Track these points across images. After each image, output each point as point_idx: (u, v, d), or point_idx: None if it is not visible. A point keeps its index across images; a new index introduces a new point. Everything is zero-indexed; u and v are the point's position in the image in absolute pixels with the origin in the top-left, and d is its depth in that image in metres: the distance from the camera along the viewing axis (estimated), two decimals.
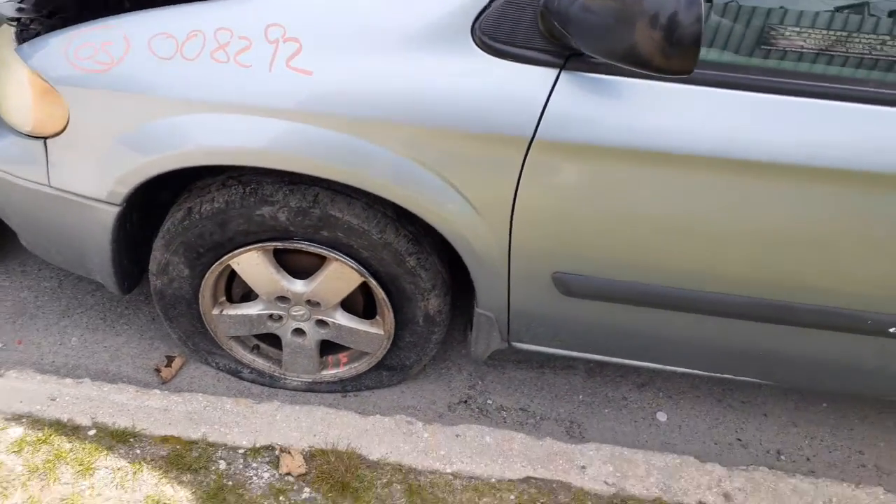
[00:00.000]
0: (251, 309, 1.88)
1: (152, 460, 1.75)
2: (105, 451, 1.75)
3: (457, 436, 1.93)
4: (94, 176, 1.61)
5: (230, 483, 1.74)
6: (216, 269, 1.76)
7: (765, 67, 1.40)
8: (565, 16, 1.27)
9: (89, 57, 1.50)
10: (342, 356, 2.02)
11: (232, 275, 1.87)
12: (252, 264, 1.75)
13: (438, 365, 2.17)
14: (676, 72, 1.17)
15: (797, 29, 1.39)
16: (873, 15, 1.40)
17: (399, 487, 1.78)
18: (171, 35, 1.47)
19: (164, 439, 1.82)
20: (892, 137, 1.37)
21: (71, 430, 1.80)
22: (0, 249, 2.31)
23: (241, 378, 2.05)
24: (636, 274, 1.57)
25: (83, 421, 1.82)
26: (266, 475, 1.77)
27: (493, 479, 1.83)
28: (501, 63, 1.39)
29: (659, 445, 2.03)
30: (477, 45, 1.39)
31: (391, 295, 1.78)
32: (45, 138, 1.62)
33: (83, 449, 1.75)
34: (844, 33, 1.38)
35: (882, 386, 1.79)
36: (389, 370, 2.01)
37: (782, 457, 2.05)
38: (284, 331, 1.92)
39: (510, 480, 1.83)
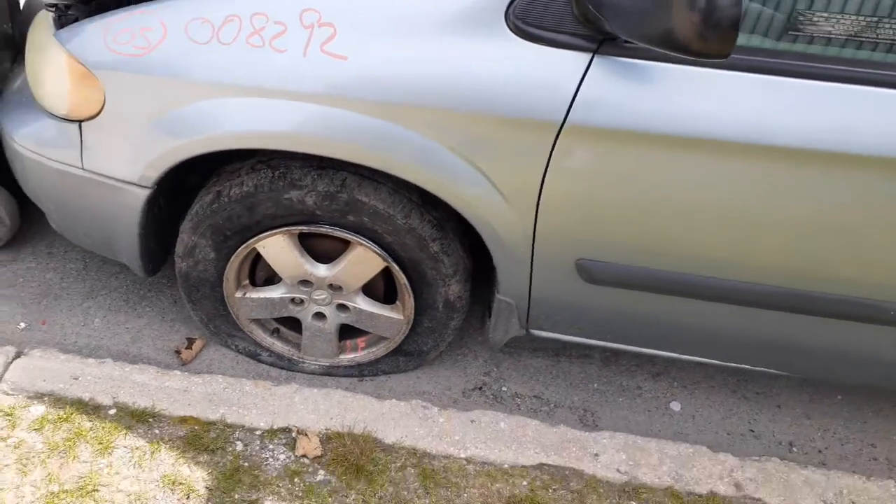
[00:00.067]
0: (274, 292, 1.91)
1: (170, 440, 1.78)
2: (124, 431, 1.78)
3: (472, 421, 1.95)
4: (127, 159, 1.64)
5: (246, 464, 1.77)
6: (242, 252, 1.79)
7: (798, 52, 1.40)
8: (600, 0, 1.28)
9: (127, 42, 1.53)
10: (360, 341, 2.05)
11: (256, 258, 1.90)
12: (278, 248, 1.77)
13: (454, 351, 2.19)
14: (714, 55, 1.19)
15: (829, 13, 1.39)
16: None
17: (413, 471, 1.81)
18: (207, 20, 1.49)
19: (183, 420, 1.84)
20: None
21: (92, 409, 1.82)
22: (27, 232, 2.34)
23: (260, 361, 2.08)
24: (661, 262, 1.59)
25: (104, 400, 1.85)
26: (282, 457, 1.80)
27: (507, 465, 1.85)
28: (534, 47, 1.41)
29: (672, 435, 2.05)
30: (511, 29, 1.41)
31: (412, 280, 1.80)
32: (80, 122, 1.65)
33: (103, 428, 1.78)
34: (875, 18, 1.38)
35: None
36: (406, 355, 2.04)
37: (794, 448, 2.07)
38: (305, 314, 1.95)
39: (523, 466, 1.85)
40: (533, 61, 1.41)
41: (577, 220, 1.55)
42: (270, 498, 1.70)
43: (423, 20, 1.43)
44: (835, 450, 2.07)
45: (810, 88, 1.39)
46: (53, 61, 1.63)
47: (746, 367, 1.87)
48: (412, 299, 1.85)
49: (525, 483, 1.81)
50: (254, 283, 1.95)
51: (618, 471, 1.86)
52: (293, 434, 1.85)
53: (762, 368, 1.87)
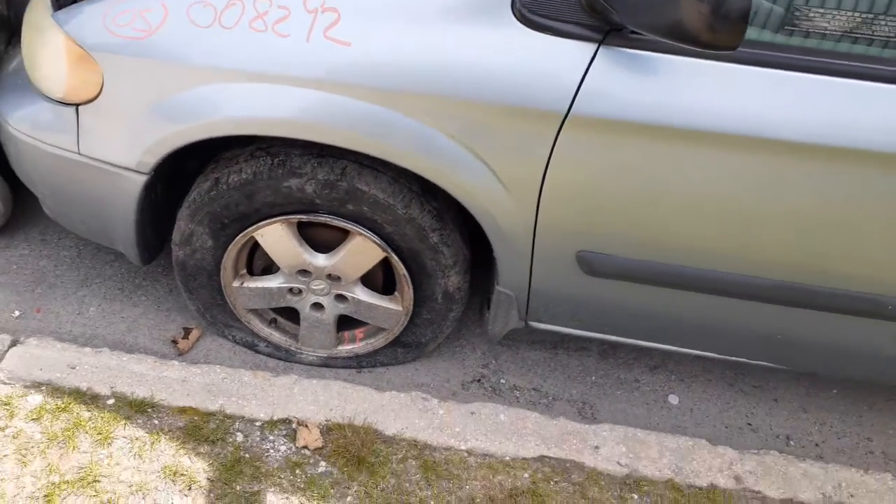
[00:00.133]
0: (272, 282, 1.89)
1: (170, 431, 1.77)
2: (123, 421, 1.77)
3: (471, 413, 1.94)
4: (125, 144, 1.62)
5: (247, 455, 1.75)
6: (240, 240, 1.77)
7: (803, 46, 1.40)
8: None
9: (127, 24, 1.50)
10: (358, 332, 2.03)
11: (254, 247, 1.88)
12: (276, 237, 1.76)
13: (452, 343, 2.18)
14: (722, 47, 1.18)
15: (834, 9, 1.38)
16: None
17: (414, 463, 1.80)
18: (209, 3, 1.47)
19: (182, 410, 1.83)
20: None
21: (90, 398, 1.81)
22: (20, 218, 2.31)
23: (258, 351, 2.07)
24: (662, 254, 1.58)
25: (102, 390, 1.83)
26: (283, 448, 1.79)
27: (508, 457, 1.85)
28: (540, 37, 1.39)
29: (670, 428, 2.05)
30: (517, 17, 1.40)
31: (412, 271, 1.79)
32: (77, 105, 1.63)
33: (102, 418, 1.76)
34: (879, 13, 1.38)
35: None
36: (405, 347, 2.03)
37: (792, 442, 2.07)
38: (303, 305, 1.93)
39: (524, 459, 1.85)
40: (538, 51, 1.40)
41: (578, 212, 1.55)
42: (272, 490, 1.69)
43: (428, 7, 1.42)
44: (832, 443, 2.08)
45: (814, 83, 1.39)
46: (51, 43, 1.60)
47: (744, 360, 1.87)
48: (411, 290, 1.83)
49: (527, 475, 1.81)
50: (251, 273, 1.93)
51: (618, 463, 1.86)
52: (293, 425, 1.83)
53: (760, 362, 1.87)
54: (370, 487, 1.73)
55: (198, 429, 1.78)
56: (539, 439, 1.89)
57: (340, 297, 1.90)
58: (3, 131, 1.81)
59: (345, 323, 1.99)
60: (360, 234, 1.72)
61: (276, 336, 2.03)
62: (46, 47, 1.62)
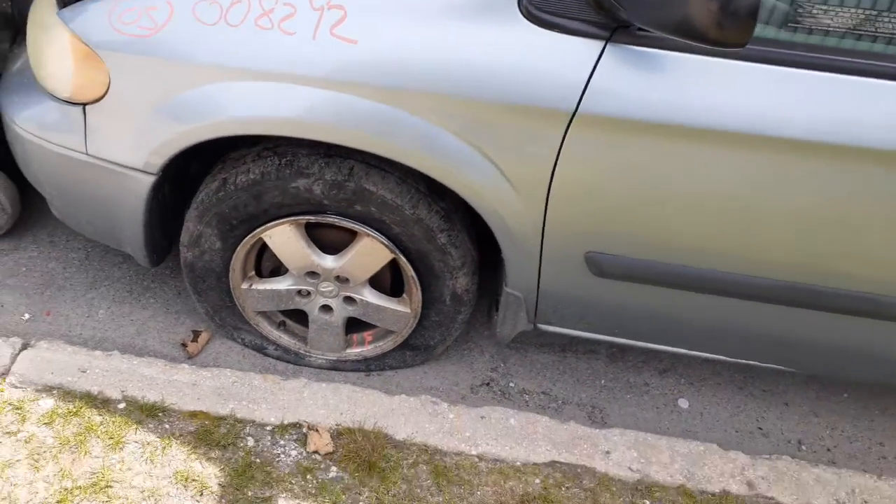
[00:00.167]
0: (280, 284, 1.88)
1: (181, 435, 1.76)
2: (135, 425, 1.76)
3: (482, 417, 1.93)
4: (132, 144, 1.61)
5: (258, 460, 1.74)
6: (248, 242, 1.77)
7: (811, 44, 1.38)
8: None
9: (133, 22, 1.50)
10: (367, 335, 2.02)
11: (262, 249, 1.87)
12: (284, 238, 1.75)
13: (461, 346, 2.17)
14: (731, 44, 1.17)
15: (843, 6, 1.37)
16: None
17: (425, 468, 1.78)
18: (215, 1, 1.47)
19: (193, 414, 1.82)
20: None
21: (101, 402, 1.80)
22: (28, 219, 2.31)
23: (267, 355, 2.06)
24: (670, 255, 1.57)
25: (113, 394, 1.83)
26: (294, 453, 1.78)
27: (519, 462, 1.83)
28: (547, 34, 1.39)
29: (681, 432, 2.03)
30: (524, 14, 1.39)
31: (420, 272, 1.78)
32: (83, 105, 1.62)
33: (113, 422, 1.76)
34: (888, 11, 1.37)
35: None
36: (413, 350, 2.02)
37: (803, 446, 2.05)
38: (312, 307, 1.92)
39: (535, 464, 1.83)
40: (545, 48, 1.39)
41: (587, 212, 1.53)
42: (284, 495, 1.68)
43: (436, 4, 1.41)
44: (844, 448, 2.06)
45: (822, 80, 1.38)
46: (56, 41, 1.59)
47: (755, 363, 1.85)
48: (419, 292, 1.82)
49: (538, 481, 1.79)
50: (260, 275, 1.93)
51: (630, 469, 1.84)
52: (304, 429, 1.82)
53: (771, 365, 1.85)
54: (381, 493, 1.72)
55: (209, 433, 1.78)
56: (550, 444, 1.88)
57: (349, 300, 1.89)
58: (9, 131, 1.81)
59: (353, 326, 1.98)
60: (368, 234, 1.71)
61: (284, 339, 2.03)
62: (52, 45, 1.61)
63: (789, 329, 1.69)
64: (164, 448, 1.72)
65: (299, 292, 1.90)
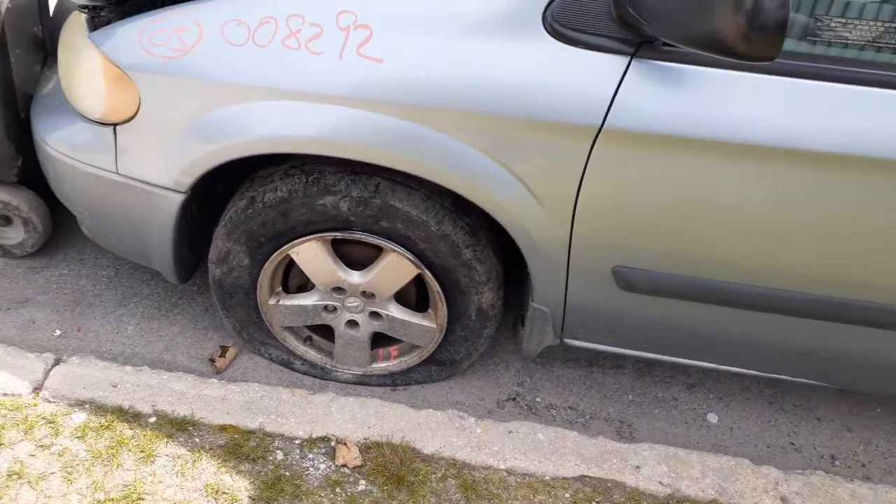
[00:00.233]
0: (307, 299, 1.90)
1: (211, 449, 1.77)
2: (165, 439, 1.77)
3: (509, 432, 1.92)
4: (163, 163, 1.64)
5: (287, 473, 1.75)
6: (275, 258, 1.78)
7: (839, 57, 1.38)
8: (641, 2, 1.26)
9: (163, 44, 1.53)
10: (392, 349, 2.03)
11: (289, 265, 1.89)
12: (311, 254, 1.76)
13: (486, 361, 2.17)
14: (759, 58, 1.16)
15: (872, 19, 1.36)
16: None
17: (454, 482, 1.78)
18: (243, 21, 1.49)
19: (223, 428, 1.83)
20: None
21: (132, 416, 1.82)
22: (59, 238, 2.35)
23: (293, 369, 2.07)
24: (699, 269, 1.55)
25: (144, 408, 1.84)
26: (322, 466, 1.78)
27: (548, 477, 1.82)
28: (572, 50, 1.39)
29: (710, 447, 2.01)
30: (548, 31, 1.40)
31: (445, 288, 1.79)
32: (114, 125, 1.65)
33: (144, 436, 1.77)
34: None
35: None
36: (439, 365, 2.02)
37: (837, 462, 2.01)
38: (338, 322, 1.93)
39: (564, 478, 1.82)
40: (570, 64, 1.39)
41: (614, 227, 1.53)
42: None
43: (460, 22, 1.42)
44: (878, 463, 2.02)
45: (849, 93, 1.37)
46: (87, 63, 1.63)
47: (786, 377, 1.83)
48: (445, 307, 1.83)
49: (567, 495, 1.78)
50: (287, 290, 1.94)
51: (660, 483, 1.82)
52: (332, 443, 1.83)
53: (802, 379, 1.82)
54: None
55: (238, 447, 1.79)
56: (579, 459, 1.86)
57: (375, 315, 1.90)
58: (41, 152, 1.85)
59: (379, 340, 1.99)
60: (394, 250, 1.72)
61: (311, 354, 2.04)
62: (83, 67, 1.64)
63: (820, 343, 1.67)
64: (195, 461, 1.73)
65: (325, 308, 1.90)
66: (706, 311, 1.63)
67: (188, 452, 1.75)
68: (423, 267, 1.74)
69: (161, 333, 2.15)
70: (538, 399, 2.09)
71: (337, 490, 1.73)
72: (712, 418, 2.09)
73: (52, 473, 1.66)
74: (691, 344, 1.78)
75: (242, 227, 1.73)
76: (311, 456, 1.79)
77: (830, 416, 2.13)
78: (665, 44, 1.33)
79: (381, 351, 2.03)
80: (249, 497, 1.68)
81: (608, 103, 1.39)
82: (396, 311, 1.88)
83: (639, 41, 1.37)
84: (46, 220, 2.21)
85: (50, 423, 1.77)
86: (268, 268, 1.81)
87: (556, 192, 1.50)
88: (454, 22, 1.42)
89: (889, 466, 2.01)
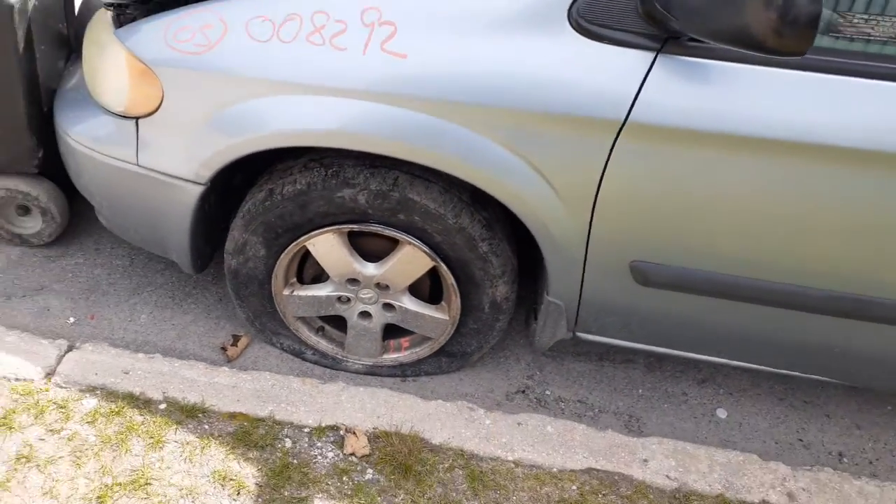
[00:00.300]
0: (321, 290, 1.91)
1: (220, 436, 1.79)
2: (175, 426, 1.79)
3: (518, 424, 1.94)
4: (184, 156, 1.66)
5: (295, 461, 1.77)
6: (292, 249, 1.79)
7: (869, 52, 1.38)
8: None
9: (188, 40, 1.54)
10: (404, 341, 2.04)
11: (304, 256, 1.90)
12: (328, 246, 1.78)
13: (496, 354, 2.18)
14: (789, 53, 1.17)
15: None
16: None
17: (461, 473, 1.80)
18: (268, 18, 1.50)
19: (232, 416, 1.85)
20: None
21: (143, 403, 1.84)
22: (75, 228, 2.37)
23: (304, 359, 2.08)
24: (719, 264, 1.56)
25: (154, 395, 1.86)
26: (330, 455, 1.80)
27: (555, 469, 1.83)
28: (597, 46, 1.40)
29: (719, 442, 2.02)
30: (573, 27, 1.40)
31: (460, 280, 1.80)
32: (136, 118, 1.67)
33: (154, 422, 1.79)
34: None
35: None
36: (450, 357, 2.03)
37: (845, 459, 2.03)
38: (351, 313, 1.95)
39: (572, 471, 1.83)
40: (595, 60, 1.40)
41: (634, 221, 1.54)
42: (320, 496, 1.70)
43: (485, 18, 1.43)
44: (886, 461, 2.03)
45: (877, 89, 1.37)
46: (113, 58, 1.64)
47: (798, 374, 1.84)
48: (458, 300, 1.84)
49: (574, 487, 1.79)
50: (301, 281, 1.95)
51: (667, 477, 1.84)
52: (341, 432, 1.84)
53: (815, 376, 1.83)
54: (417, 496, 1.73)
55: (247, 434, 1.80)
56: (587, 451, 1.88)
57: (388, 306, 1.91)
58: (63, 144, 1.86)
59: (390, 332, 2.00)
60: (410, 243, 1.73)
61: (323, 344, 2.05)
62: (108, 63, 1.66)
63: (837, 340, 1.68)
64: (203, 448, 1.75)
65: (339, 299, 1.92)
66: (724, 307, 1.64)
67: (197, 439, 1.77)
68: (438, 260, 1.75)
69: (174, 322, 2.16)
70: (548, 392, 2.11)
71: (344, 478, 1.74)
72: (721, 413, 2.11)
73: (60, 457, 1.68)
74: (706, 339, 1.79)
75: (260, 219, 1.74)
76: (319, 444, 1.81)
77: (840, 413, 2.14)
78: (691, 39, 1.33)
79: (392, 342, 2.04)
80: (256, 484, 1.70)
81: (633, 98, 1.40)
82: (410, 303, 1.90)
83: (665, 37, 1.38)
84: (64, 210, 2.23)
85: (61, 408, 1.79)
86: (283, 259, 1.82)
87: (576, 186, 1.51)
88: (479, 18, 1.43)
89: None
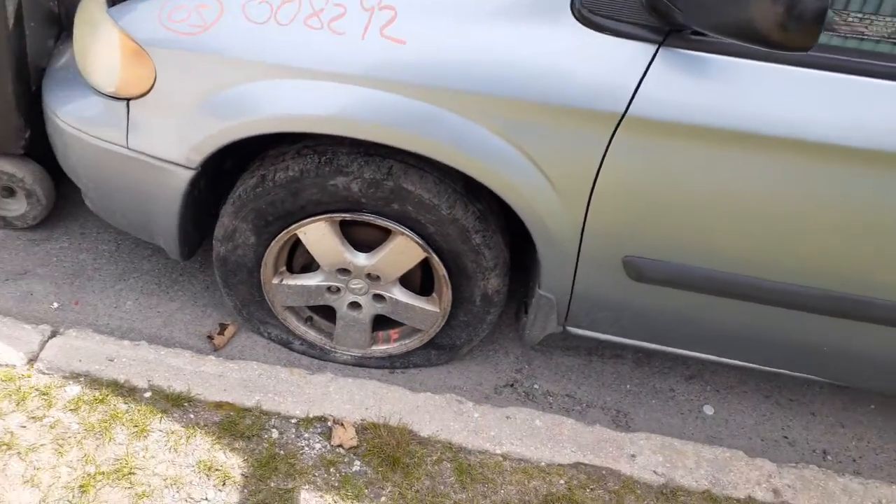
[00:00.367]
0: (311, 280, 1.89)
1: (206, 426, 1.77)
2: (160, 415, 1.77)
3: (507, 417, 1.93)
4: (175, 139, 1.63)
5: (282, 452, 1.75)
6: (282, 237, 1.77)
7: (873, 51, 1.38)
8: None
9: (183, 20, 1.52)
10: (393, 332, 2.03)
11: (294, 245, 1.88)
12: (319, 235, 1.76)
13: (485, 347, 2.17)
14: (794, 48, 1.16)
15: None
16: None
17: (449, 466, 1.79)
18: (265, 0, 1.48)
19: (219, 405, 1.83)
20: None
21: (127, 391, 1.81)
22: (61, 211, 2.33)
23: (292, 349, 2.07)
24: (714, 261, 1.56)
25: (139, 383, 1.84)
26: (318, 446, 1.78)
27: (543, 463, 1.83)
28: (599, 37, 1.39)
29: (705, 439, 2.03)
30: (576, 17, 1.39)
31: (451, 272, 1.79)
32: (127, 100, 1.64)
33: (139, 411, 1.76)
34: None
35: None
36: (439, 349, 2.02)
37: (829, 456, 2.04)
38: (341, 303, 1.93)
39: (560, 465, 1.83)
40: (596, 51, 1.39)
41: (630, 216, 1.53)
42: (306, 487, 1.69)
43: (488, 5, 1.42)
44: (869, 459, 2.05)
45: (880, 88, 1.37)
46: (105, 37, 1.61)
47: (785, 372, 1.85)
48: (450, 292, 1.83)
49: (562, 482, 1.79)
50: (291, 270, 1.93)
51: (655, 472, 1.84)
52: (329, 423, 1.83)
53: (803, 374, 1.85)
54: (404, 488, 1.72)
55: (233, 424, 1.78)
56: (575, 446, 1.88)
57: (378, 297, 1.90)
58: (51, 124, 1.83)
59: (379, 323, 1.99)
60: (403, 233, 1.72)
61: (311, 334, 2.03)
62: (100, 42, 1.63)
63: (828, 338, 1.68)
64: (189, 437, 1.73)
65: (329, 289, 1.90)
66: (717, 304, 1.65)
67: (182, 428, 1.75)
68: (430, 251, 1.74)
69: (160, 309, 2.13)
70: (536, 386, 2.11)
71: (331, 470, 1.73)
72: (708, 410, 2.12)
73: (42, 445, 1.65)
74: (697, 336, 1.79)
75: (251, 205, 1.72)
76: (306, 435, 1.80)
77: (825, 411, 2.16)
78: (694, 32, 1.33)
79: (381, 334, 2.03)
80: (242, 475, 1.68)
81: (633, 91, 1.39)
82: (400, 295, 1.88)
83: (667, 29, 1.37)
84: (50, 193, 2.19)
85: (43, 394, 1.76)
86: (274, 247, 1.80)
87: (572, 179, 1.51)
88: (482, 5, 1.42)
89: (880, 462, 2.04)
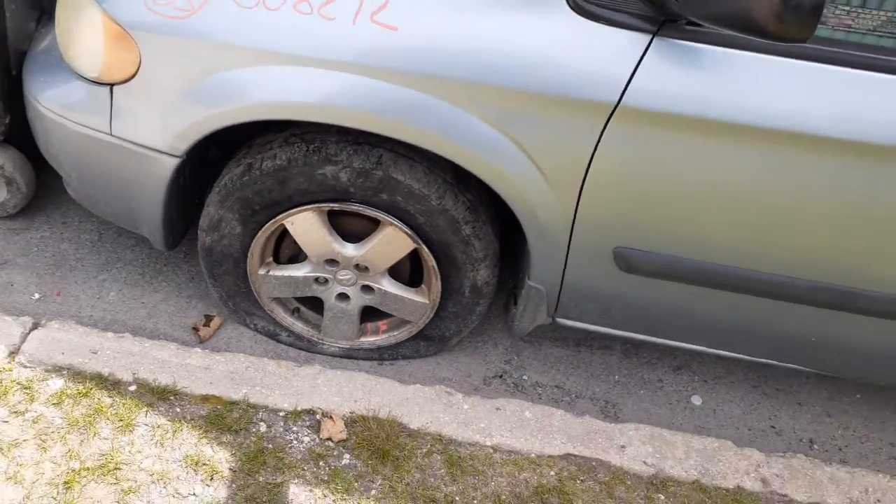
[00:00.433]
0: (298, 271, 1.87)
1: (192, 419, 1.74)
2: (145, 408, 1.74)
3: (497, 409, 1.92)
4: (159, 125, 1.59)
5: (270, 446, 1.73)
6: (269, 227, 1.75)
7: (869, 44, 1.38)
8: None
9: (169, 3, 1.48)
10: (381, 324, 2.01)
11: (281, 235, 1.85)
12: (306, 225, 1.73)
13: (474, 338, 2.16)
14: (791, 39, 1.16)
15: None
16: None
17: (439, 458, 1.78)
18: None
19: (205, 398, 1.80)
20: None
21: (112, 384, 1.78)
22: (42, 199, 2.28)
23: (279, 341, 2.04)
24: (704, 252, 1.56)
25: (124, 376, 1.81)
26: (306, 439, 1.76)
27: (533, 455, 1.83)
28: (593, 26, 1.38)
29: (693, 429, 2.04)
30: (570, 6, 1.38)
31: (441, 263, 1.77)
32: (111, 85, 1.60)
33: (123, 404, 1.74)
34: None
35: None
36: (428, 340, 2.01)
37: (815, 445, 2.06)
38: (328, 295, 1.91)
39: (550, 456, 1.83)
40: (590, 40, 1.38)
41: (621, 206, 1.52)
42: (295, 481, 1.67)
43: None
44: (855, 448, 2.07)
45: (876, 81, 1.37)
46: (88, 21, 1.57)
47: (774, 363, 1.85)
48: (439, 283, 1.81)
49: (553, 473, 1.79)
50: (278, 261, 1.91)
51: (644, 463, 1.85)
52: (317, 416, 1.81)
53: (791, 365, 1.85)
54: (395, 481, 1.71)
55: (221, 418, 1.76)
56: (565, 437, 1.87)
57: (367, 288, 1.88)
58: (32, 110, 1.78)
59: (367, 314, 1.97)
60: (392, 224, 1.70)
61: (298, 326, 2.01)
62: (83, 25, 1.59)
63: (816, 330, 1.69)
64: (175, 431, 1.71)
65: (317, 280, 1.88)
66: (707, 295, 1.65)
67: (168, 422, 1.72)
68: (419, 241, 1.72)
69: (144, 300, 2.10)
70: (525, 377, 2.10)
71: (320, 463, 1.71)
72: (696, 400, 2.12)
73: (25, 441, 1.62)
74: (687, 327, 1.79)
75: (237, 195, 1.69)
76: (295, 429, 1.78)
77: (811, 401, 2.17)
78: (689, 22, 1.31)
79: (369, 325, 2.01)
80: (230, 469, 1.66)
81: (626, 81, 1.38)
82: (389, 286, 1.87)
83: (662, 19, 1.36)
84: (31, 180, 2.14)
85: (25, 388, 1.72)
86: (260, 237, 1.77)
87: (564, 169, 1.49)
88: None
89: (865, 450, 2.06)
